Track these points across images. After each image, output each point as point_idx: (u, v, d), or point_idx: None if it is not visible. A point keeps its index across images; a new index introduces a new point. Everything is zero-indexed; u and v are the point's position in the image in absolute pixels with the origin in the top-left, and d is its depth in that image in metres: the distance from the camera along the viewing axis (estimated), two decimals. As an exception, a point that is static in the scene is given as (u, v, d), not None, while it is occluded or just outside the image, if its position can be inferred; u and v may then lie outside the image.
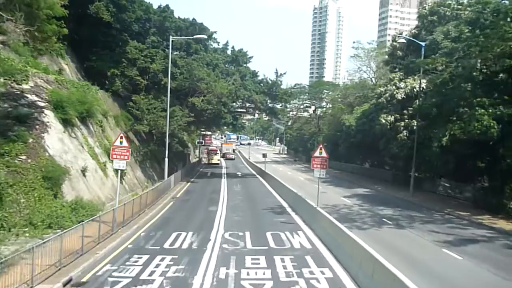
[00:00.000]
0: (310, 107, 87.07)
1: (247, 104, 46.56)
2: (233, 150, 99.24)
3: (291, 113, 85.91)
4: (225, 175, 49.75)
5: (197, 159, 75.66)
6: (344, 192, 35.13)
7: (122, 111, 37.66)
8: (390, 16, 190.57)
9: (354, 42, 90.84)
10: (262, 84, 46.16)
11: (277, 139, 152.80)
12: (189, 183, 39.85)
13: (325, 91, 78.49)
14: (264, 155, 49.19)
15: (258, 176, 50.59)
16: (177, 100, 40.00)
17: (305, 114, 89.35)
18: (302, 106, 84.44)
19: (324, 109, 78.90)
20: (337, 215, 23.00)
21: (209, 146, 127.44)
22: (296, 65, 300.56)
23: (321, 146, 22.86)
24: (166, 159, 30.90)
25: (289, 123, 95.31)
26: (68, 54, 33.05)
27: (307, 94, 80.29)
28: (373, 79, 57.83)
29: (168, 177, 32.89)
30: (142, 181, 33.87)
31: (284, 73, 44.02)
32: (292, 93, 47.62)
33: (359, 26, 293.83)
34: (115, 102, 37.63)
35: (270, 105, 49.50)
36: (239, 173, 53.69)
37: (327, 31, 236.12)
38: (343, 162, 62.11)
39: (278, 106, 51.92)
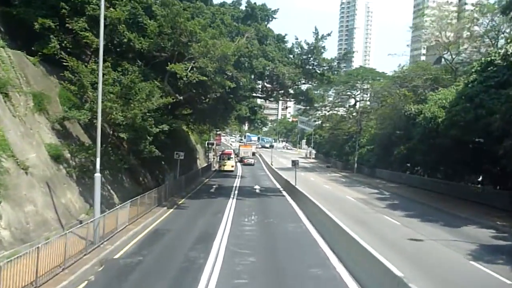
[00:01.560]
0: (347, 101, 70.39)
1: (268, 85, 30.54)
2: (253, 154, 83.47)
3: (323, 109, 69.53)
4: (236, 191, 33.90)
5: (207, 164, 60.06)
6: (450, 234, 18.70)
7: (61, 89, 22.35)
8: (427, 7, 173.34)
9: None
10: (292, 55, 29.96)
11: (303, 141, 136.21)
12: (171, 210, 24.20)
13: (367, 81, 61.68)
14: (295, 163, 32.95)
15: (284, 192, 34.54)
16: (154, 71, 24.42)
17: (340, 111, 72.74)
18: (337, 100, 67.81)
19: (368, 102, 62.12)
20: None
21: (221, 148, 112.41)
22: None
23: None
24: (97, 175, 14.84)
25: (320, 122, 78.68)
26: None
27: (342, 84, 63.76)
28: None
29: (120, 202, 17.17)
30: (75, 211, 18.29)
31: (329, 34, 27.46)
32: (339, 66, 30.79)
33: (389, 21, 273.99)
34: (52, 75, 22.39)
35: (303, 85, 33.36)
36: (257, 188, 37.70)
37: (355, 27, 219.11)
38: (405, 172, 45.29)
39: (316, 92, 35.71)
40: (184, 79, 23.02)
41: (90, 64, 22.71)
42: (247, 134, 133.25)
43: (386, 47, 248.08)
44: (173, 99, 24.31)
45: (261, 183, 41.94)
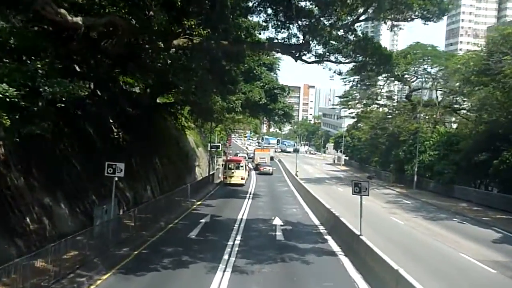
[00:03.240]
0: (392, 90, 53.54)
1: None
2: (271, 158, 67.49)
3: (358, 106, 52.95)
4: (238, 238, 17.61)
5: (208, 175, 44.24)
6: None
7: None
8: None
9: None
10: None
11: (328, 145, 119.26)
12: None
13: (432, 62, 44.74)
14: (360, 189, 16.05)
15: (331, 240, 17.89)
16: None
17: (378, 107, 55.86)
18: (380, 90, 51.03)
19: (433, 89, 45.19)
20: None
21: (235, 151, 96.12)
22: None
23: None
24: None
25: (355, 120, 61.86)
26: None
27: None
28: None
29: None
30: None
31: None
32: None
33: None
34: None
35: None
36: (277, 225, 20.86)
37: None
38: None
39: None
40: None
41: None
42: (265, 136, 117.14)
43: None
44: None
45: (283, 212, 25.63)
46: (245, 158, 72.45)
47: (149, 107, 28.46)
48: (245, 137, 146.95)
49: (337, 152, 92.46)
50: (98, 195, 18.21)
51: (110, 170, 14.37)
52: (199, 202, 28.21)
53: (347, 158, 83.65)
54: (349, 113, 53.66)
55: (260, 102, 27.47)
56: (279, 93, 28.53)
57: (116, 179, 14.71)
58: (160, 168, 30.46)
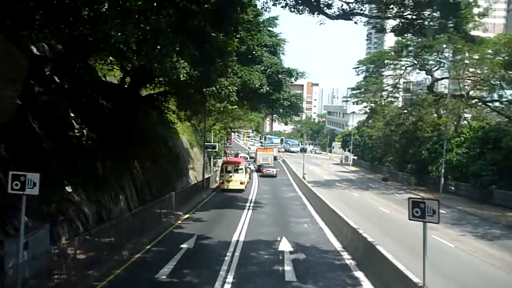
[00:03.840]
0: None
1: None
2: (274, 158, 62.07)
3: (372, 99, 47.20)
4: (230, 278, 11.99)
5: (203, 179, 38.74)
6: None
7: None
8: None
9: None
10: None
11: (334, 143, 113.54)
12: None
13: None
14: (422, 212, 10.34)
15: (366, 280, 12.18)
16: None
17: (394, 100, 50.13)
18: (398, 80, 45.31)
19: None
20: None
21: (236, 151, 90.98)
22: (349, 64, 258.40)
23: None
24: None
25: (366, 117, 56.12)
26: None
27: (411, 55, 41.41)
28: None
29: None
30: None
31: None
32: None
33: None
34: None
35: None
36: (285, 251, 15.39)
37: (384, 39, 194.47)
38: None
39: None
40: None
41: None
42: (268, 136, 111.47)
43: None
44: None
45: (292, 229, 19.95)
46: (246, 159, 66.91)
47: (130, 100, 22.97)
48: (248, 137, 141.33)
49: (345, 151, 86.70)
50: (28, 218, 12.64)
51: (16, 185, 8.83)
52: (186, 216, 22.63)
53: (355, 157, 77.93)
54: (363, 107, 47.74)
55: (261, 90, 21.83)
56: (284, 79, 22.87)
57: (30, 192, 9.13)
58: (139, 174, 24.90)
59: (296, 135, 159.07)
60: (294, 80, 23.21)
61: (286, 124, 30.90)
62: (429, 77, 42.53)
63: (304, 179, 41.22)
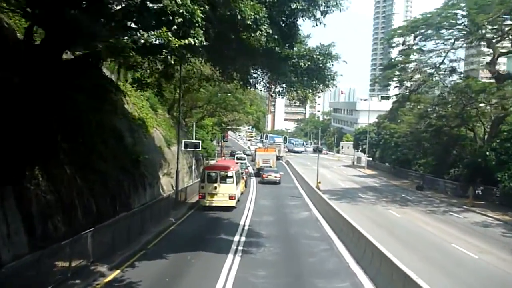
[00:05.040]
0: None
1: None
2: (277, 158, 51.53)
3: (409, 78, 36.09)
4: None
5: (180, 190, 27.95)
6: None
7: None
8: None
9: None
10: None
11: (342, 143, 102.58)
12: None
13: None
14: None
15: None
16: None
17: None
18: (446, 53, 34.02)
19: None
20: None
21: (233, 150, 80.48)
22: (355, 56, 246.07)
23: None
24: None
25: (392, 106, 45.01)
26: None
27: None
28: None
29: None
30: None
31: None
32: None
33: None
34: None
35: None
36: None
37: (393, 13, 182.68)
38: None
39: None
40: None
41: None
42: (269, 134, 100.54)
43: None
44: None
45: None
46: (242, 159, 55.88)
47: (48, 68, 12.21)
48: (251, 136, 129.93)
49: (358, 151, 75.75)
50: None
51: None
52: (111, 276, 11.72)
53: (369, 158, 66.92)
54: (400, 87, 36.13)
55: (258, 36, 10.94)
56: (302, 16, 11.98)
57: None
58: (47, 190, 14.09)
59: (299, 134, 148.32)
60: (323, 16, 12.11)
61: (303, 102, 19.83)
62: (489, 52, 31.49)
63: (319, 189, 30.32)
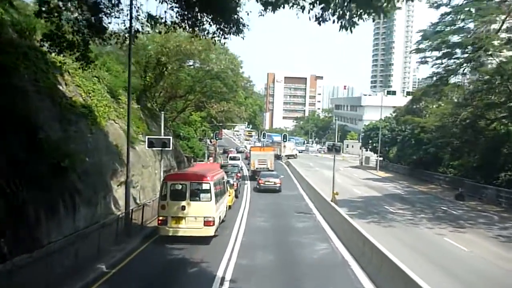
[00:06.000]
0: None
1: None
2: (275, 158, 43.33)
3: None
4: None
5: (133, 209, 19.44)
6: None
7: None
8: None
9: None
10: None
11: (346, 141, 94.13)
12: None
13: None
14: None
15: None
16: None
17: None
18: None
19: None
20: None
21: (230, 150, 72.37)
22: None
23: None
24: None
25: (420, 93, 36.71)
26: None
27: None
28: None
29: None
30: None
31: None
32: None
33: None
34: None
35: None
36: None
37: (394, 29, 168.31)
38: None
39: None
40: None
41: None
42: (267, 133, 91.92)
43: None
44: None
45: None
46: (235, 160, 47.19)
47: None
48: (250, 136, 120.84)
49: (366, 150, 67.45)
50: None
51: None
52: None
53: (380, 158, 58.33)
54: (432, 73, 27.67)
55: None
56: None
57: None
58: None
59: (299, 132, 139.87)
60: None
61: (353, 26, 10.25)
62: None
63: (336, 203, 21.78)
